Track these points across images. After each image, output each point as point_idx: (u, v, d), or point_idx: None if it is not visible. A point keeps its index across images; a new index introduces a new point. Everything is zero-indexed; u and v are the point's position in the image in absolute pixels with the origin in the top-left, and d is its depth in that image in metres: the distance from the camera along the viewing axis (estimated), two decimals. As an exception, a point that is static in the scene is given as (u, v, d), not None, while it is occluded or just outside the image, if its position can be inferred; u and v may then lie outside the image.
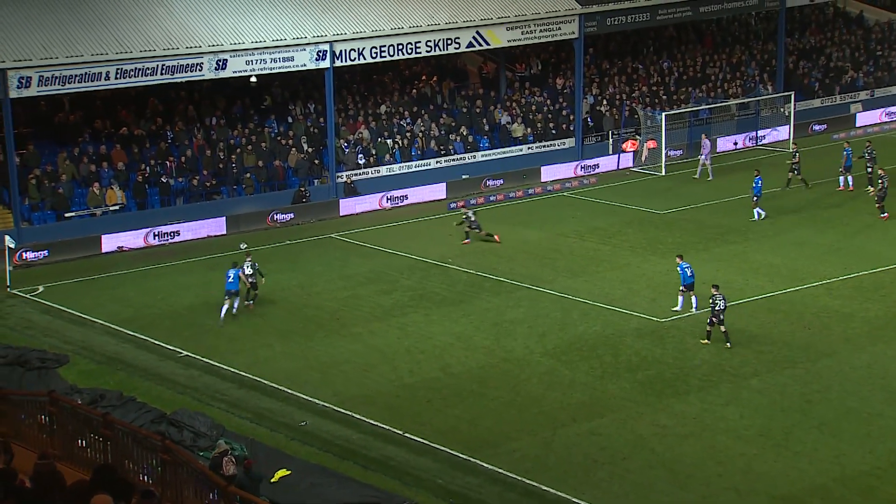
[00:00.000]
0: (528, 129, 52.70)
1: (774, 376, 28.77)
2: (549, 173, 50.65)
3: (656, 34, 59.73)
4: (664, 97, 55.62)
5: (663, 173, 50.51)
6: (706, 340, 30.55)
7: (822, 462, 24.41)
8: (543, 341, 31.79)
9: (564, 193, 48.71)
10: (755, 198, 42.30)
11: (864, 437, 25.35)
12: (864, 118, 57.45)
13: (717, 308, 30.29)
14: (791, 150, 47.39)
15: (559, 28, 51.87)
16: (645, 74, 57.52)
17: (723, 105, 55.37)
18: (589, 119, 53.72)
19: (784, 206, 44.04)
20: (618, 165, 52.25)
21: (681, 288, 32.97)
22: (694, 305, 32.79)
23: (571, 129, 53.10)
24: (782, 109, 55.02)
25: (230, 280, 33.76)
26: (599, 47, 58.12)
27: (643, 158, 52.09)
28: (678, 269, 32.97)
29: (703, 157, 49.40)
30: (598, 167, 51.81)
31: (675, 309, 33.05)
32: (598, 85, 55.97)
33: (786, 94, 55.28)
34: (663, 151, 51.04)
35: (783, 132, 54.21)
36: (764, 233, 41.03)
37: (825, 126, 56.42)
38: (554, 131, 52.92)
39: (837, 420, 26.32)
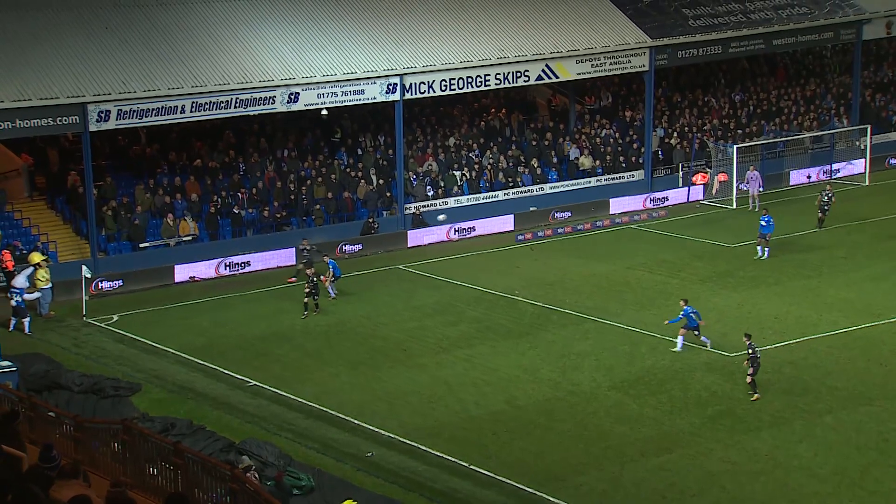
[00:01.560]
0: (597, 162, 52.62)
1: (849, 413, 28.32)
2: (617, 206, 50.48)
3: (728, 67, 59.39)
4: (736, 130, 55.23)
5: (734, 206, 50.07)
6: (755, 395, 29.43)
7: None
8: (611, 374, 31.61)
9: (633, 226, 48.49)
10: (765, 236, 41.66)
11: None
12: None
13: (753, 356, 29.46)
14: (826, 191, 45.90)
15: (629, 61, 51.73)
16: (716, 107, 57.21)
17: (796, 138, 54.79)
18: (659, 152, 53.52)
19: (859, 241, 43.39)
20: (688, 198, 51.92)
21: (682, 329, 32.65)
22: (708, 343, 32.65)
23: (641, 161, 52.92)
24: (857, 143, 54.31)
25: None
26: (670, 80, 57.94)
27: (714, 191, 51.70)
28: (682, 312, 32.55)
29: (752, 189, 49.29)
30: (668, 200, 51.53)
31: (674, 349, 32.68)
32: (668, 117, 55.77)
33: (862, 126, 54.56)
34: (734, 184, 50.59)
35: (858, 166, 53.50)
36: (839, 267, 40.45)
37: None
38: (623, 164, 52.77)
39: (915, 459, 25.85)
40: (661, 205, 51.08)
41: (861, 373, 30.86)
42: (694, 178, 52.47)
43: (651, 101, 52.84)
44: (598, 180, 52.06)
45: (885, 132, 57.02)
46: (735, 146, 51.13)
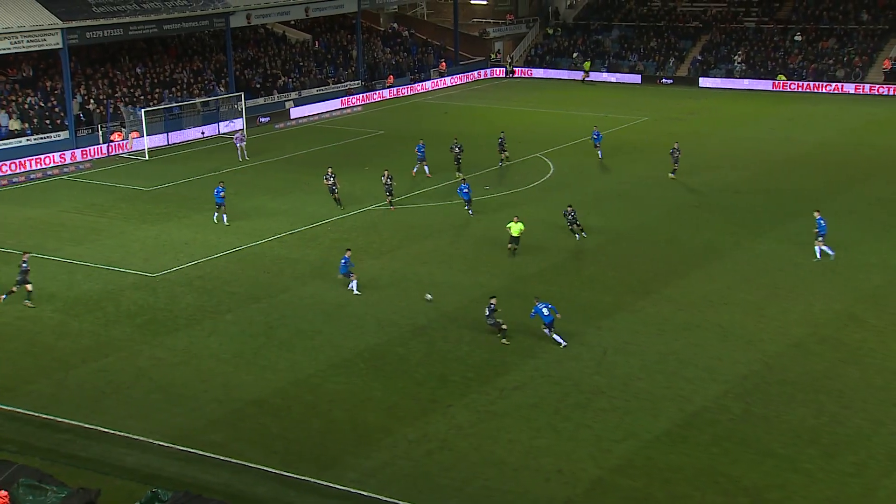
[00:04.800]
0: (26, 124, 48.18)
1: (244, 311, 28.90)
2: (48, 160, 46.82)
3: (130, 45, 57.07)
4: (141, 97, 53.43)
5: (147, 158, 48.64)
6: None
7: (282, 371, 25.03)
8: (53, 300, 29.42)
9: (64, 177, 45.28)
10: (218, 205, 36.90)
11: (311, 349, 26.29)
12: (296, 112, 59.33)
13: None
14: (327, 173, 39.14)
15: (45, 39, 47.92)
16: (123, 78, 54.84)
17: (190, 103, 54.37)
18: (81, 115, 50.26)
19: (243, 180, 44.05)
20: (108, 153, 49.48)
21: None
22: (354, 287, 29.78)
23: (65, 123, 49.31)
24: (236, 106, 55.18)
25: None
26: (83, 55, 54.41)
27: (130, 146, 49.79)
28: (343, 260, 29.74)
29: (237, 142, 47.80)
30: (92, 154, 48.72)
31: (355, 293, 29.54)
32: (84, 87, 52.42)
33: (237, 94, 55.50)
34: (146, 140, 49.17)
35: (238, 123, 54.46)
36: (230, 202, 40.63)
37: (269, 118, 57.54)
38: (50, 126, 48.86)
39: (292, 339, 26.96)
40: (87, 158, 48.19)
41: (251, 279, 31.53)
42: (113, 136, 50.09)
43: (68, 74, 49.34)
44: (28, 140, 47.74)
45: (255, 98, 58.56)
46: (143, 110, 49.58)
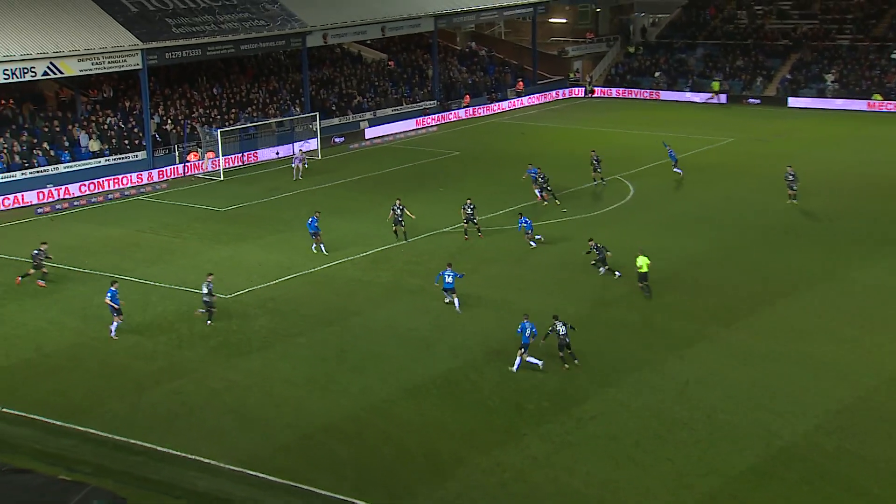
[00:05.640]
0: (105, 145, 49.70)
1: (316, 334, 29.09)
2: (125, 181, 48.12)
3: (208, 66, 58.52)
4: (218, 117, 54.66)
5: (222, 178, 49.66)
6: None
7: (354, 396, 25.08)
8: (128, 321, 30.01)
9: (141, 197, 46.48)
10: (317, 233, 36.51)
11: (383, 374, 26.22)
12: (371, 132, 59.94)
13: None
14: (395, 205, 37.63)
15: (125, 60, 49.36)
16: (200, 99, 56.21)
17: (265, 123, 55.42)
18: (157, 135, 51.63)
19: (318, 201, 44.55)
20: (184, 173, 50.68)
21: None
22: (457, 305, 30.20)
23: (143, 143, 50.71)
24: (311, 126, 56.05)
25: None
26: (161, 76, 55.97)
27: (206, 167, 50.94)
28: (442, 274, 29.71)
29: (296, 162, 48.78)
30: (168, 175, 49.95)
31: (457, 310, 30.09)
32: (162, 107, 53.88)
33: (312, 114, 56.35)
34: (221, 160, 50.23)
35: (313, 143, 55.27)
36: (300, 224, 40.96)
37: (343, 138, 58.27)
38: (128, 146, 50.31)
39: (364, 363, 27.01)
40: (163, 179, 49.41)
41: (324, 302, 31.76)
42: (188, 157, 51.32)
43: (146, 94, 50.77)
44: (106, 160, 49.24)
45: (330, 118, 59.39)
46: (218, 130, 50.68)
